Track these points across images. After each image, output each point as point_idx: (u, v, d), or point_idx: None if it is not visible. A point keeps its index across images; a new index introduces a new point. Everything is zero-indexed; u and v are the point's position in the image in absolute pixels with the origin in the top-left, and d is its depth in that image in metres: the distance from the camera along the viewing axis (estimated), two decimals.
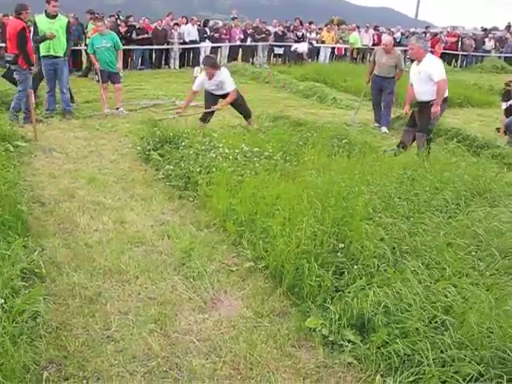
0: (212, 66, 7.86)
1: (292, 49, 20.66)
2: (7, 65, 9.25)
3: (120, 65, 10.53)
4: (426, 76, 6.83)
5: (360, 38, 21.85)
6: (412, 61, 24.73)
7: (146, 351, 3.17)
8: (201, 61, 18.77)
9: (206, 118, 8.13)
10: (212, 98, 8.17)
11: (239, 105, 8.31)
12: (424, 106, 7.02)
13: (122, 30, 16.63)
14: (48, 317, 3.38)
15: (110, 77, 10.05)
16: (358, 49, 22.07)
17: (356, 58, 22.16)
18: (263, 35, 20.76)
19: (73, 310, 3.53)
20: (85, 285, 3.84)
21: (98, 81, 10.32)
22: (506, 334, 2.89)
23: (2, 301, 3.14)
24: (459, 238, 4.16)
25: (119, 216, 5.14)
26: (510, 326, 2.92)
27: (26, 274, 3.75)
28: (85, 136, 8.31)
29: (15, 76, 8.77)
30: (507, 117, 9.51)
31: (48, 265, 4.04)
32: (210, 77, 7.87)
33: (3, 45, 11.61)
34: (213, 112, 8.21)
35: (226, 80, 7.95)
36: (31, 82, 8.84)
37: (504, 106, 9.67)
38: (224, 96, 8.07)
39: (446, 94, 7.04)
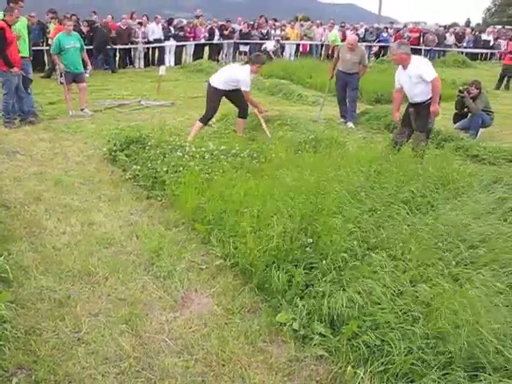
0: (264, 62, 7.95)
1: (262, 48, 20.75)
2: None
3: (90, 66, 10.56)
4: (418, 78, 6.66)
5: (337, 35, 21.73)
6: (377, 56, 24.78)
7: (118, 352, 3.15)
8: (166, 59, 18.71)
9: (209, 119, 7.90)
10: (219, 96, 7.81)
11: (242, 98, 7.94)
12: (420, 107, 6.86)
13: (85, 29, 16.41)
14: (16, 322, 3.34)
15: (74, 77, 9.88)
16: (337, 46, 22.09)
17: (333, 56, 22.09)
18: (229, 33, 20.81)
19: (42, 314, 3.49)
20: (53, 288, 3.80)
21: (62, 83, 10.04)
22: (472, 329, 2.95)
23: None
24: (425, 230, 4.24)
25: (87, 218, 5.09)
26: (475, 322, 2.98)
27: None
28: (50, 138, 8.20)
29: None
30: (455, 122, 9.78)
31: (15, 269, 3.98)
32: (255, 73, 7.89)
33: None
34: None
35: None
36: (16, 83, 8.61)
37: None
38: (230, 93, 7.82)
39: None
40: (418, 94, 6.81)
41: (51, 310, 3.53)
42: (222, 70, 8.00)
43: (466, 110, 9.47)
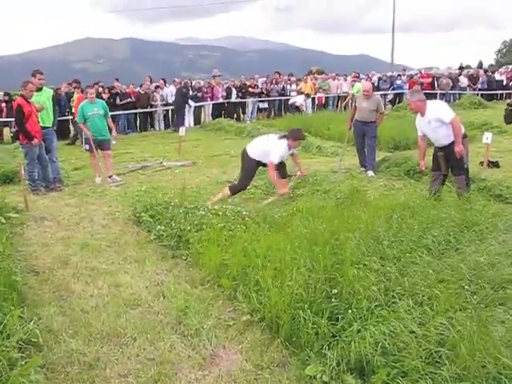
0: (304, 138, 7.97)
1: (290, 102, 21.00)
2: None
3: (114, 132, 10.63)
4: (437, 122, 6.68)
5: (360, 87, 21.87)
6: (392, 104, 24.78)
7: None
8: (185, 120, 19.04)
9: (241, 190, 7.73)
10: (255, 166, 7.70)
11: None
12: (449, 150, 6.79)
13: (105, 96, 16.89)
14: None
15: (99, 144, 9.95)
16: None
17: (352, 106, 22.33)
18: (253, 90, 21.24)
19: (72, 377, 3.50)
20: (83, 351, 3.82)
21: (89, 150, 10.01)
22: (496, 361, 2.92)
23: None
24: (451, 274, 4.21)
25: (114, 280, 5.15)
26: (498, 352, 2.95)
27: (23, 344, 3.72)
28: (75, 203, 8.38)
29: (21, 150, 8.98)
30: None
31: (45, 333, 4.02)
32: (293, 147, 7.64)
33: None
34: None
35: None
36: (38, 153, 8.92)
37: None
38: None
39: (463, 130, 6.84)
40: (442, 137, 6.80)
41: (81, 373, 3.55)
42: (260, 140, 7.85)
43: None
